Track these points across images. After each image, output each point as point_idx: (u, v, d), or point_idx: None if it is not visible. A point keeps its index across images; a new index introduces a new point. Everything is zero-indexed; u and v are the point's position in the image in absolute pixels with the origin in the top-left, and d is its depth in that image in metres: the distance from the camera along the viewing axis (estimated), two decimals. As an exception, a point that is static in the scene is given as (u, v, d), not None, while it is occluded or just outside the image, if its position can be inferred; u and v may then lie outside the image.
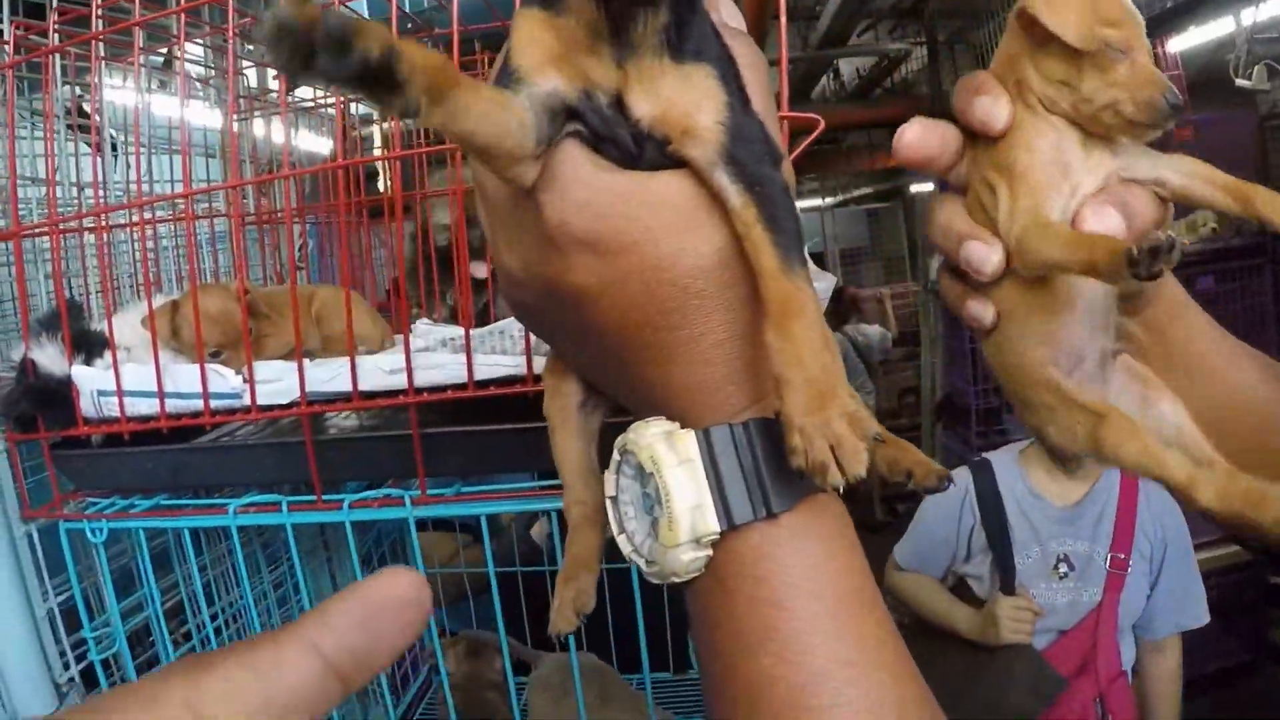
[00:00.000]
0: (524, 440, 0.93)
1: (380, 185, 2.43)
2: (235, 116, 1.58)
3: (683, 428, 0.52)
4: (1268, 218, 0.58)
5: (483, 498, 0.94)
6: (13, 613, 1.11)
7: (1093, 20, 0.59)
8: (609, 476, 0.56)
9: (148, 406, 1.01)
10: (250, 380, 0.94)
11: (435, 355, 0.92)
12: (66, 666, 1.18)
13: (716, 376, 0.52)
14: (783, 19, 0.81)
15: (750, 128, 0.52)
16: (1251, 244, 4.45)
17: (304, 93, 1.74)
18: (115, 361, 1.01)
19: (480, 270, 1.31)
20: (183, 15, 0.97)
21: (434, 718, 1.84)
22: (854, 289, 6.50)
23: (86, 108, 1.41)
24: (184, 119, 1.04)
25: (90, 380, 1.02)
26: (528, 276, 0.55)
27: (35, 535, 1.13)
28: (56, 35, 1.11)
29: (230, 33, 1.16)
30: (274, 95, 1.68)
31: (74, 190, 1.32)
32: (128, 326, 1.10)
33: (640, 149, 0.52)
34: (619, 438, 0.55)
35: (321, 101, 1.76)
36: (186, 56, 1.52)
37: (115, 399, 1.01)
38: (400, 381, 0.90)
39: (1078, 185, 0.61)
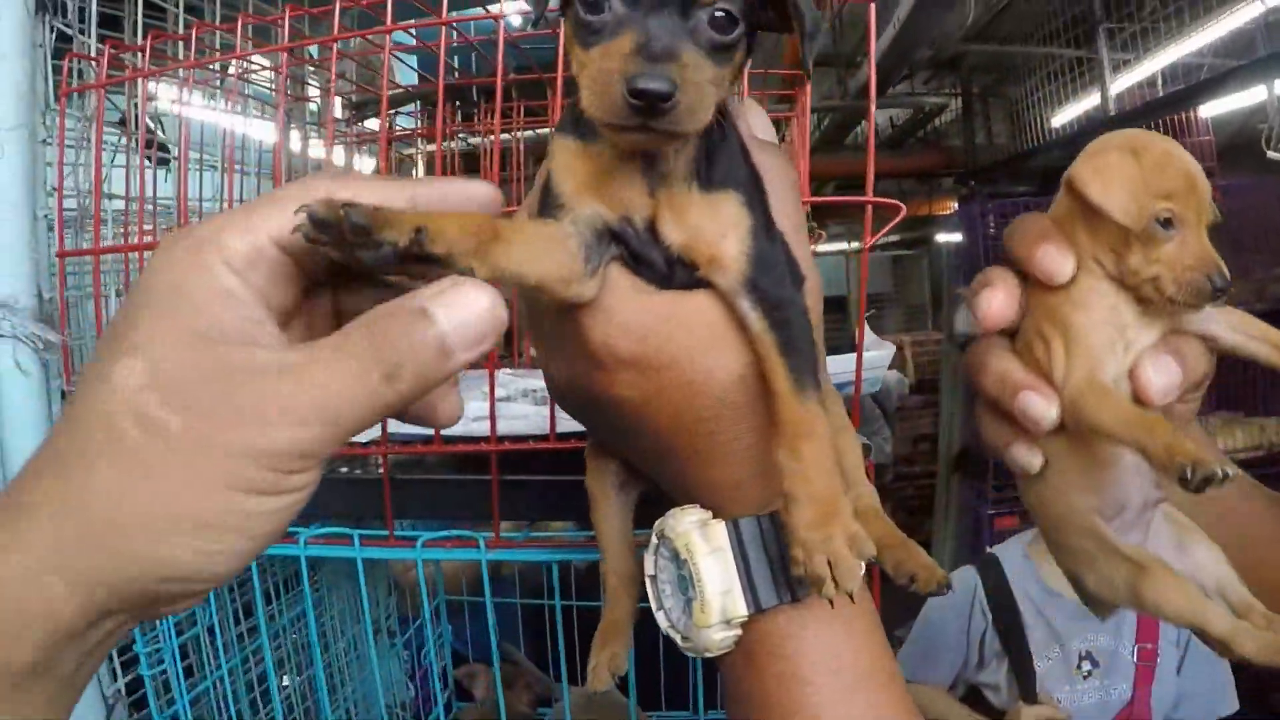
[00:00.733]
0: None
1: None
2: (307, 144, 1.61)
3: (714, 517, 0.57)
4: None
5: (553, 544, 0.95)
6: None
7: (1144, 194, 0.59)
8: (648, 557, 0.61)
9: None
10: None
11: (517, 405, 0.94)
12: (114, 677, 1.19)
13: (745, 474, 0.57)
14: (871, 113, 0.83)
15: (772, 254, 0.55)
16: (1272, 310, 4.46)
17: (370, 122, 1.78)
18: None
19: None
20: (285, 55, 1.00)
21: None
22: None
23: (149, 122, 1.43)
24: (278, 148, 1.06)
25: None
26: (572, 388, 0.60)
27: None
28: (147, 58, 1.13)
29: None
30: (340, 123, 1.72)
31: (149, 207, 1.34)
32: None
33: (671, 270, 0.55)
34: (657, 522, 0.59)
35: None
36: (258, 82, 1.55)
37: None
38: (481, 429, 0.91)
39: (1132, 342, 0.62)
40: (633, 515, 0.70)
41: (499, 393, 0.93)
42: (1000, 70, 5.64)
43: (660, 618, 0.60)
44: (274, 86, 1.56)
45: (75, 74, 1.29)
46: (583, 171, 0.55)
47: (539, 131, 1.90)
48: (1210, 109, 4.35)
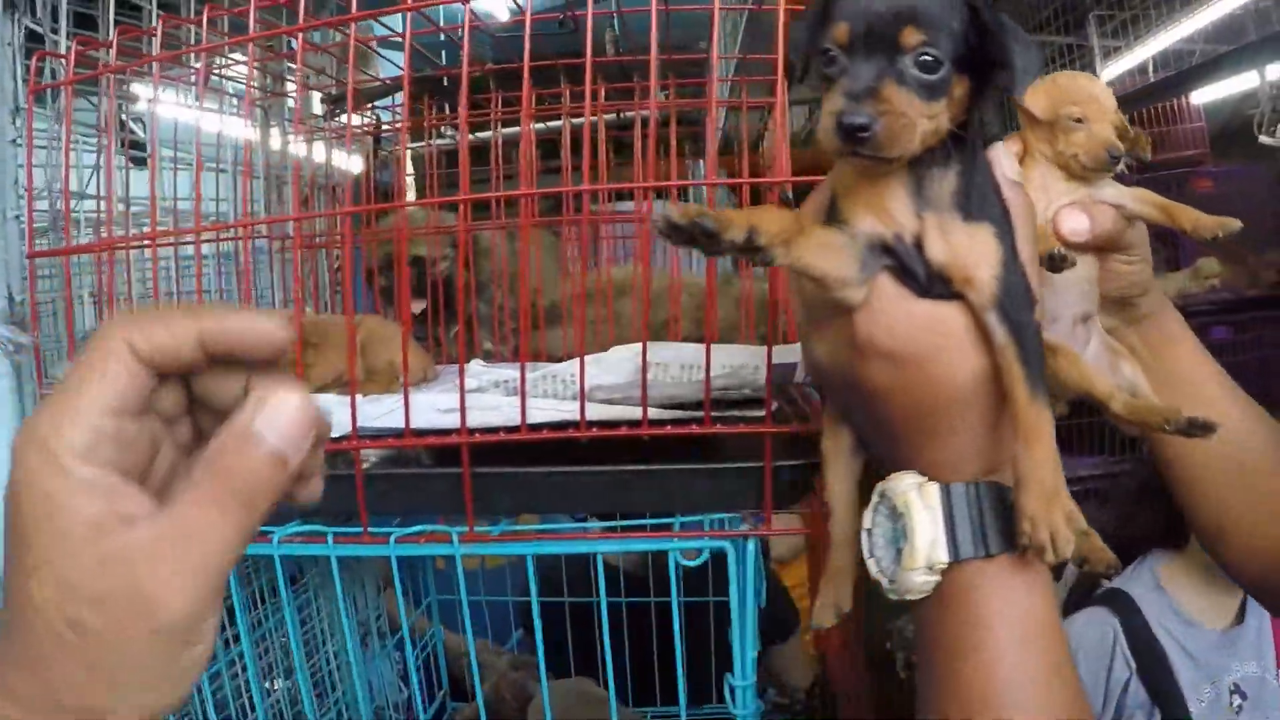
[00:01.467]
0: (573, 483, 0.93)
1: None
2: (291, 140, 1.60)
3: (930, 482, 0.68)
4: (1181, 224, 0.85)
5: (528, 537, 0.94)
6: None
7: (1057, 101, 0.86)
8: (867, 513, 0.72)
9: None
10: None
11: (489, 396, 0.92)
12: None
13: (963, 454, 0.68)
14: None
15: (1017, 281, 0.66)
16: (1267, 296, 4.46)
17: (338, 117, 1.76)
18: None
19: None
20: (252, 46, 0.98)
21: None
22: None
23: (130, 122, 1.42)
24: (248, 144, 1.04)
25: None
26: (833, 367, 0.71)
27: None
28: (115, 54, 1.12)
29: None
30: (318, 119, 1.70)
31: (119, 206, 1.33)
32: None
33: (930, 283, 0.66)
34: (880, 484, 0.71)
35: (366, 127, 1.78)
36: (233, 76, 1.53)
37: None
38: (452, 421, 0.90)
39: (1054, 200, 0.86)
40: (857, 478, 0.79)
41: (470, 384, 0.92)
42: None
43: (870, 565, 0.71)
44: (247, 81, 1.54)
45: (48, 73, 1.27)
46: (864, 192, 0.66)
47: (549, 124, 1.88)
48: (1202, 95, 4.33)
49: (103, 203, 1.22)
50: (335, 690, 1.73)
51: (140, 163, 1.49)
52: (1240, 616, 1.93)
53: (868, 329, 0.66)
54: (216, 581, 0.47)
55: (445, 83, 1.56)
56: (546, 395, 0.93)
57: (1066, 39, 4.54)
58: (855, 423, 0.78)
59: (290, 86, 1.66)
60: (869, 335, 0.66)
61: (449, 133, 1.81)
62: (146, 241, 1.06)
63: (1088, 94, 0.86)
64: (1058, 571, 0.84)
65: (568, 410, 0.90)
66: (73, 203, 1.33)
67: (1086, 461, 4.73)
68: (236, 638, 1.43)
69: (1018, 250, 0.67)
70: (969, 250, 0.65)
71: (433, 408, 0.92)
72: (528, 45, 0.88)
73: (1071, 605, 2.04)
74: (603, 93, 1.54)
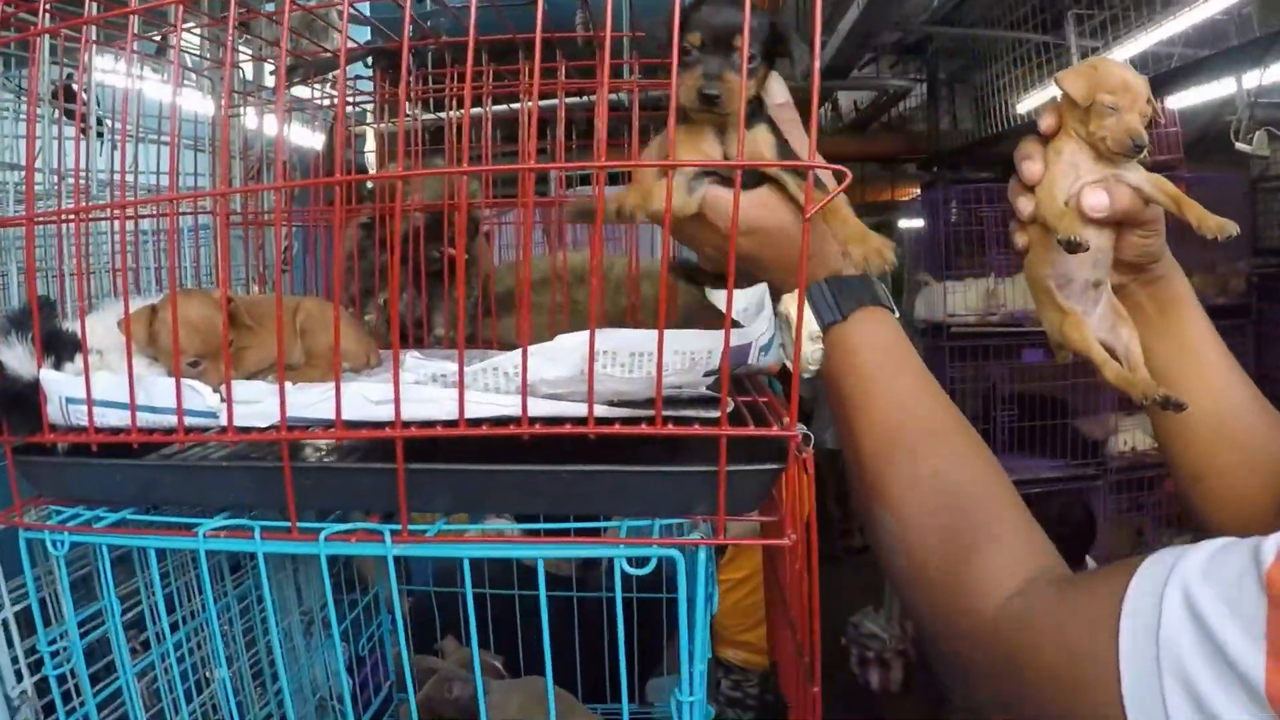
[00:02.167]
0: (517, 483, 0.89)
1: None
2: (228, 112, 1.53)
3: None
4: (1187, 217, 0.93)
5: (463, 539, 0.89)
6: (-36, 622, 1.05)
7: (1094, 87, 0.94)
8: (777, 321, 0.96)
9: (118, 418, 0.95)
10: (229, 400, 0.88)
11: (427, 389, 0.87)
12: (19, 678, 1.12)
13: (814, 269, 0.90)
14: (814, 102, 0.81)
15: (790, 151, 0.92)
16: (1234, 304, 4.47)
17: (299, 90, 1.69)
18: (86, 368, 0.95)
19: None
20: (179, 6, 0.92)
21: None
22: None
23: (73, 89, 1.35)
24: (175, 112, 0.98)
25: (60, 386, 0.97)
26: (717, 252, 0.94)
27: (-7, 540, 1.07)
28: (48, 16, 1.05)
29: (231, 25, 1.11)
30: (268, 91, 1.63)
31: (53, 177, 1.26)
32: (101, 328, 1.05)
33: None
34: (777, 306, 0.94)
35: (316, 99, 1.71)
36: (181, 45, 1.47)
37: (84, 408, 0.95)
38: (386, 413, 0.85)
39: (1081, 176, 0.96)
40: None
41: (406, 376, 0.86)
42: (966, 55, 5.60)
43: (781, 353, 0.95)
44: (198, 50, 1.48)
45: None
46: (687, 141, 0.91)
47: (511, 105, 1.82)
48: (1179, 100, 4.32)
49: (37, 174, 1.15)
50: (277, 681, 1.68)
51: (83, 133, 1.42)
52: None
53: (724, 222, 0.88)
54: None
55: (437, 57, 1.50)
56: (488, 389, 0.87)
57: (1043, 37, 4.52)
58: (751, 275, 0.98)
59: (240, 56, 1.60)
60: (725, 224, 0.87)
61: (415, 111, 1.75)
62: (71, 215, 1.00)
63: (1123, 83, 0.93)
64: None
65: (509, 405, 0.85)
66: (4, 175, 1.27)
67: (1049, 464, 4.75)
68: (174, 628, 1.38)
69: (786, 139, 0.93)
70: (758, 144, 0.90)
71: (365, 398, 0.86)
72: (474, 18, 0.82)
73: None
74: (562, 71, 1.48)
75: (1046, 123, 0.98)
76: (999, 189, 4.23)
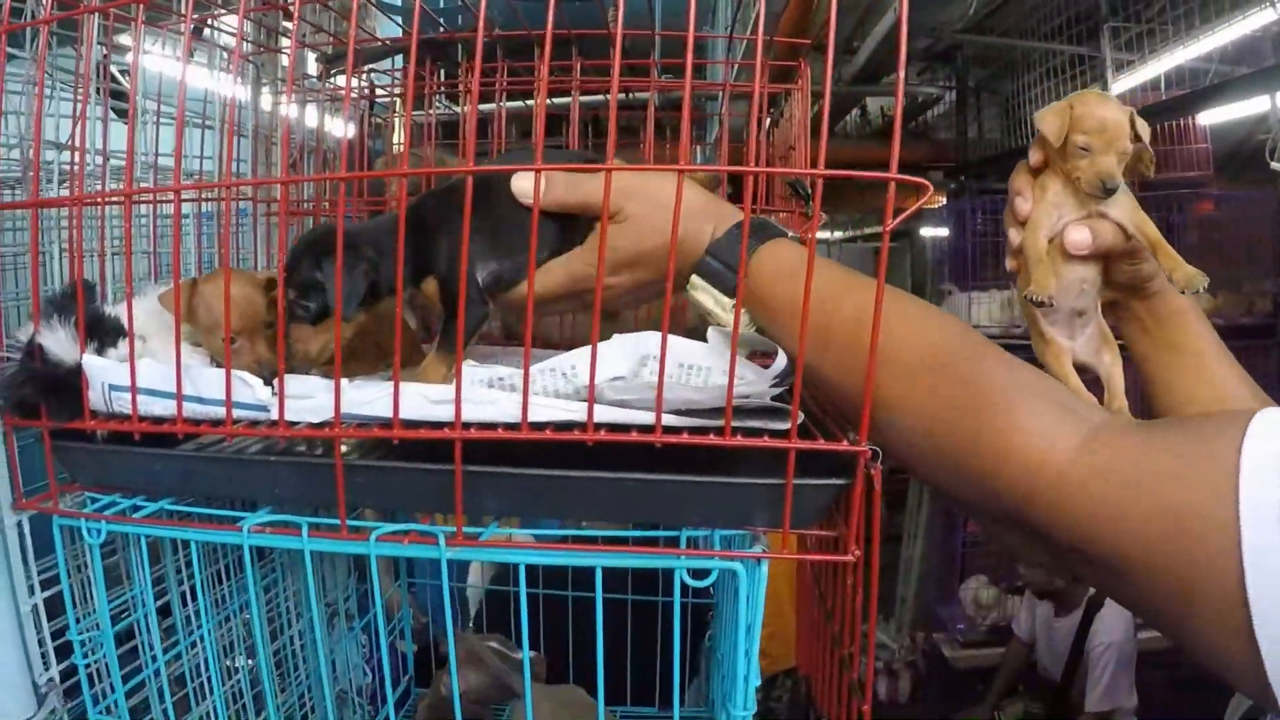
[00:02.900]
0: (574, 488, 0.86)
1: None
2: (276, 100, 1.51)
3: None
4: (1164, 266, 0.94)
5: (519, 545, 0.87)
6: (-2, 607, 1.04)
7: (1067, 127, 0.94)
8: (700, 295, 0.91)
9: (162, 407, 0.93)
10: (280, 394, 0.86)
11: (488, 390, 0.85)
12: (46, 665, 1.10)
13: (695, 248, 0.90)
14: (900, 86, 0.76)
15: None
16: (1260, 324, 4.43)
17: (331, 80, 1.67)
18: (132, 355, 0.93)
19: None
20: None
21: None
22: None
23: (114, 71, 1.33)
24: (233, 103, 0.96)
25: (103, 372, 0.95)
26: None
27: (26, 524, 1.05)
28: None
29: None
30: (312, 80, 1.61)
31: (97, 159, 1.24)
32: (143, 313, 1.03)
33: None
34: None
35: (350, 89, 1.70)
36: (225, 29, 1.45)
37: (128, 395, 0.93)
38: (445, 413, 0.83)
39: (1064, 214, 0.97)
40: None
41: (465, 377, 0.84)
42: (997, 64, 5.57)
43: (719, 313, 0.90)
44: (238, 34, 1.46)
45: (27, 13, 1.19)
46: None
47: (527, 101, 1.80)
48: (1211, 117, 4.29)
49: (79, 155, 1.13)
50: (298, 671, 1.66)
51: (122, 114, 1.40)
52: None
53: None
54: None
55: (459, 51, 1.48)
56: (545, 391, 0.85)
57: (1078, 49, 4.49)
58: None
59: (285, 43, 1.58)
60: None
61: (444, 103, 1.73)
62: (120, 197, 0.97)
63: (1098, 123, 0.94)
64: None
65: (574, 410, 0.83)
66: (49, 154, 1.25)
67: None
68: (198, 614, 1.36)
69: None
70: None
71: (425, 397, 0.84)
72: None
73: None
74: (578, 68, 1.46)
75: (1034, 158, 1.00)
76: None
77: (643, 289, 0.95)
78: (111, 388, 0.95)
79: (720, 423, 0.80)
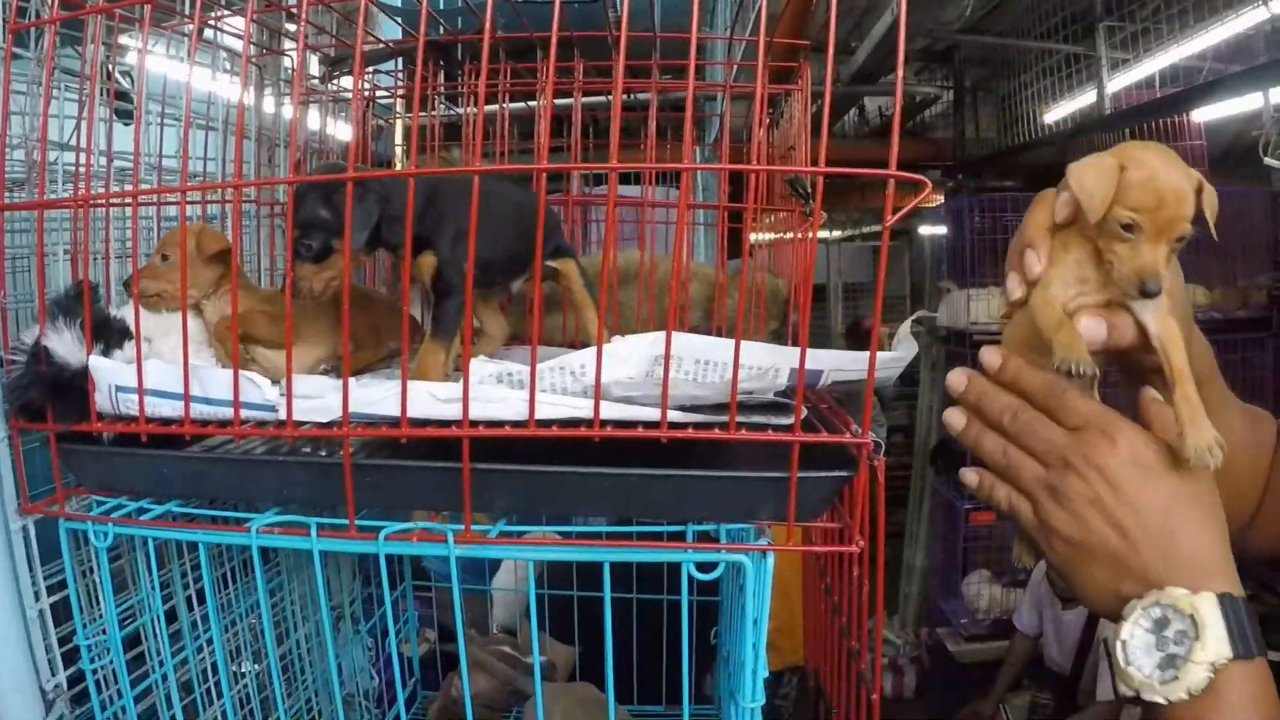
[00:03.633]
0: (581, 485, 0.87)
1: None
2: (280, 102, 1.52)
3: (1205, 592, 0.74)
4: (1178, 409, 0.75)
5: (527, 541, 0.87)
6: (4, 612, 1.03)
7: (1114, 198, 0.75)
8: (1124, 626, 0.76)
9: (170, 409, 0.94)
10: (289, 394, 0.87)
11: (495, 388, 0.85)
12: (54, 671, 1.10)
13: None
14: (899, 82, 0.77)
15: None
16: (1256, 317, 4.45)
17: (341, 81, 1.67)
18: (139, 356, 0.94)
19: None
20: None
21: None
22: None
23: (116, 72, 1.34)
24: (241, 107, 0.97)
25: (110, 374, 0.95)
26: None
27: (32, 529, 1.05)
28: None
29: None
30: (315, 81, 1.62)
31: (101, 160, 1.25)
32: (149, 314, 1.04)
33: None
34: (1146, 597, 0.75)
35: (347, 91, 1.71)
36: (230, 30, 1.45)
37: (135, 396, 0.93)
38: (453, 411, 0.83)
39: (1083, 291, 0.80)
40: None
41: (470, 379, 0.85)
42: (993, 64, 5.59)
43: (1130, 674, 0.75)
44: (245, 36, 1.46)
45: (32, 11, 1.19)
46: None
47: (529, 103, 1.80)
48: (1206, 114, 4.30)
49: (84, 155, 1.13)
50: (305, 675, 1.67)
51: (126, 115, 1.41)
52: None
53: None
54: None
55: (459, 52, 1.48)
56: (554, 388, 0.86)
57: (1074, 48, 4.51)
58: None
59: (288, 45, 1.58)
60: None
61: (445, 104, 1.74)
62: (127, 199, 0.98)
63: (1154, 198, 0.74)
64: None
65: (581, 407, 0.83)
66: (52, 154, 1.25)
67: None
68: (205, 619, 1.36)
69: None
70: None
71: (432, 396, 0.85)
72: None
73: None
74: (580, 70, 1.47)
75: (1061, 214, 0.81)
76: (1024, 198, 4.22)
77: None
78: (118, 389, 0.95)
79: (725, 418, 0.81)
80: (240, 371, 0.90)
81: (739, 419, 0.81)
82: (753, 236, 1.64)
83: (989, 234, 4.67)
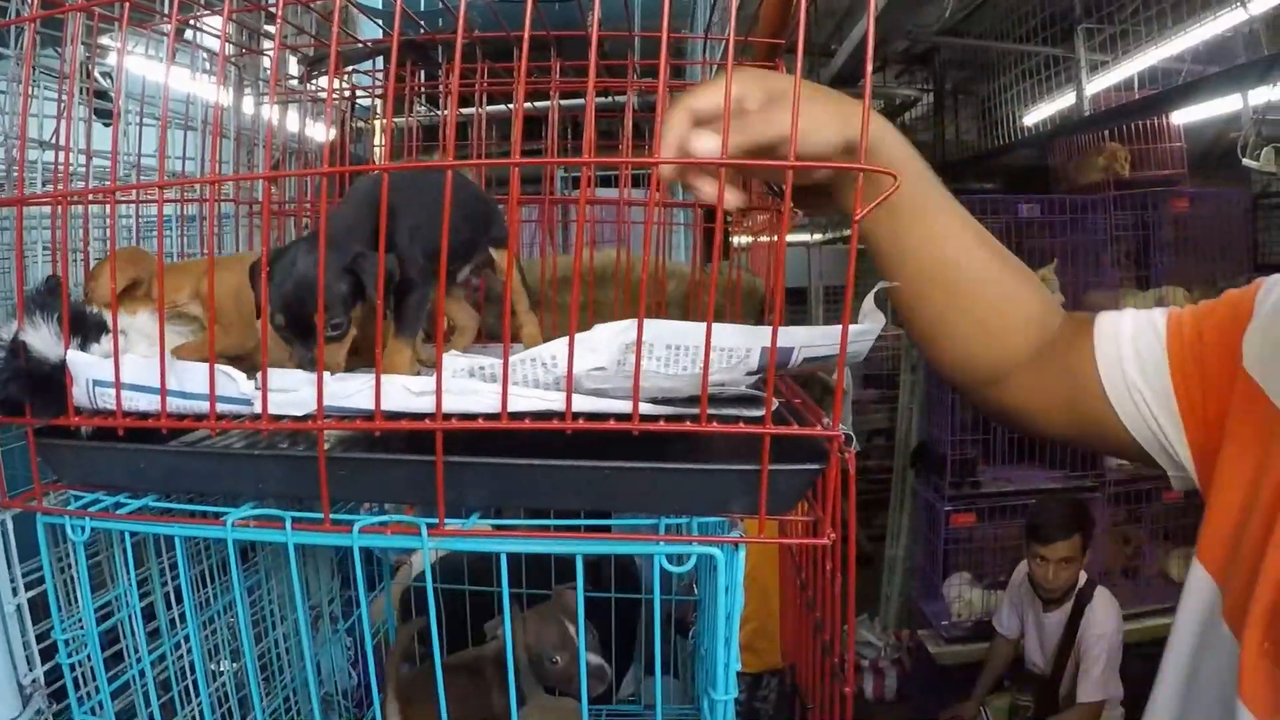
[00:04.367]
0: (554, 477, 0.88)
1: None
2: (259, 102, 1.52)
3: None
4: None
5: (502, 534, 0.88)
6: (-19, 607, 1.04)
7: None
8: None
9: (147, 402, 0.94)
10: (264, 388, 0.87)
11: (469, 381, 0.86)
12: (31, 666, 1.11)
13: None
14: (867, 73, 0.77)
15: None
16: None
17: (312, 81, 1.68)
18: (116, 350, 0.94)
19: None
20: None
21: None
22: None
23: (95, 72, 1.34)
24: (217, 105, 0.97)
25: (87, 368, 0.95)
26: None
27: (10, 524, 1.06)
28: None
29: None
30: (293, 82, 1.62)
31: (80, 158, 1.25)
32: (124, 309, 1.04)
33: None
34: None
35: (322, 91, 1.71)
36: (209, 30, 1.46)
37: (113, 391, 0.94)
38: (426, 404, 0.84)
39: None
40: None
41: (445, 369, 0.85)
42: (973, 66, 5.62)
43: None
44: (222, 35, 1.46)
45: (13, 10, 1.20)
46: None
47: (508, 105, 1.81)
48: (1184, 116, 4.33)
49: (63, 154, 1.14)
50: (284, 674, 1.67)
51: (105, 114, 1.41)
52: None
53: None
54: None
55: (439, 53, 1.49)
56: (527, 380, 0.86)
57: (1053, 50, 4.54)
58: None
59: (266, 45, 1.58)
60: None
61: (424, 105, 1.74)
62: (106, 196, 0.98)
63: None
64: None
65: (553, 400, 0.84)
66: (31, 153, 1.25)
67: (1047, 475, 4.77)
68: (183, 617, 1.36)
69: None
70: None
71: (406, 389, 0.85)
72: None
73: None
74: (556, 69, 1.48)
75: None
76: (1003, 201, 4.26)
77: None
78: (95, 383, 0.95)
79: (696, 410, 0.82)
80: (216, 365, 0.90)
81: (710, 411, 0.82)
82: (735, 239, 1.65)
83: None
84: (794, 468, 0.85)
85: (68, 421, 0.97)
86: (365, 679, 1.87)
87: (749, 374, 0.88)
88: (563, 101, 1.54)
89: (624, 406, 0.83)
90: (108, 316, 0.99)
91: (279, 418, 0.89)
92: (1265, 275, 0.96)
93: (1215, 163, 4.67)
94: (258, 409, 0.88)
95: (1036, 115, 4.84)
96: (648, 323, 0.82)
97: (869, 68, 0.83)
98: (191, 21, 1.37)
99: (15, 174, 1.09)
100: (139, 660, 1.20)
